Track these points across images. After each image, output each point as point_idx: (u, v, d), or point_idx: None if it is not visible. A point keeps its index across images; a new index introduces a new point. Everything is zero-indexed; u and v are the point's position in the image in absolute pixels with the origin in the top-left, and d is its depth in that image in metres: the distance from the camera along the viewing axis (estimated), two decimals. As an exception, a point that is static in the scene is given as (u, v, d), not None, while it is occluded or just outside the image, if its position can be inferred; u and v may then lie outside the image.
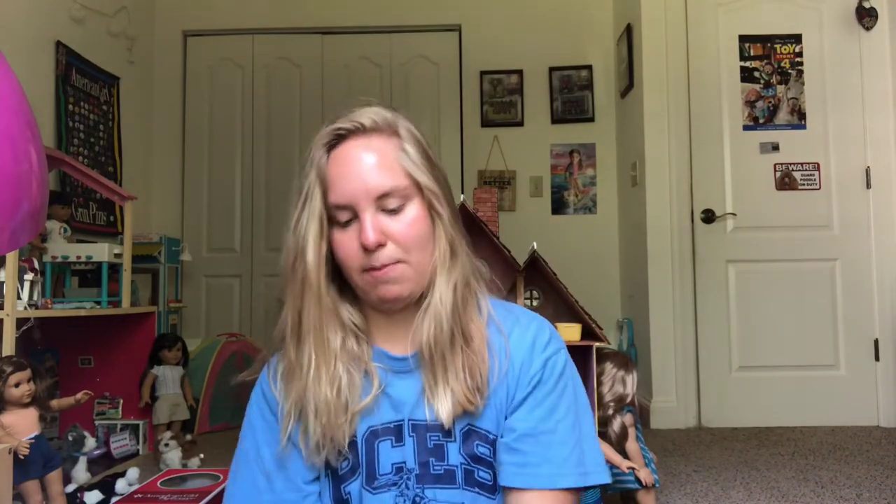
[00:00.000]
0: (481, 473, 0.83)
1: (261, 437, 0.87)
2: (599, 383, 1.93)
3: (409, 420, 0.84)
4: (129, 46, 3.76)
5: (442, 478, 0.82)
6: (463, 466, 0.82)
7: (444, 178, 0.86)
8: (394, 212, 0.81)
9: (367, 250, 0.79)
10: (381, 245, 0.80)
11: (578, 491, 0.83)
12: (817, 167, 3.29)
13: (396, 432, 0.84)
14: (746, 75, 3.36)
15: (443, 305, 0.82)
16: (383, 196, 0.81)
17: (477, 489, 0.82)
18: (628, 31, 3.64)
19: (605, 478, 0.84)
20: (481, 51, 4.08)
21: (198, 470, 2.26)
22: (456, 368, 0.81)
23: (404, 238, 0.81)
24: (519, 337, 0.85)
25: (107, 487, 2.14)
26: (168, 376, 2.77)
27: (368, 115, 0.84)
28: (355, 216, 0.81)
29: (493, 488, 0.83)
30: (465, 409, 0.81)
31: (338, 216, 0.82)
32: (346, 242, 0.82)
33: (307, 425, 0.82)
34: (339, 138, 0.84)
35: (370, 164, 0.81)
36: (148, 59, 4.04)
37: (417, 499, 0.82)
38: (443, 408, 0.81)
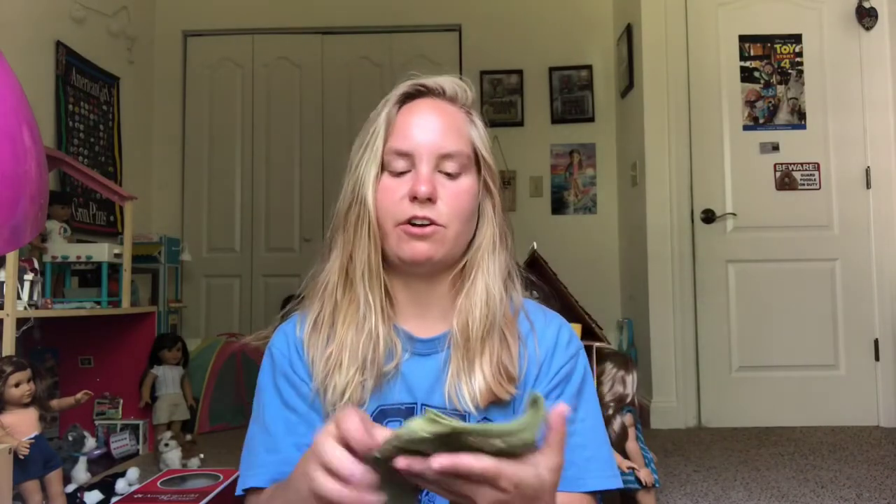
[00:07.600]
0: None
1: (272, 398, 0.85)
2: (599, 383, 1.94)
3: (421, 404, 0.82)
4: (129, 46, 3.76)
5: None
6: None
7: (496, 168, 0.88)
8: (450, 176, 0.82)
9: (416, 199, 0.79)
10: (430, 199, 0.79)
11: (597, 495, 0.80)
12: (817, 167, 3.29)
13: (407, 415, 0.82)
14: (746, 75, 3.36)
15: (495, 289, 0.82)
16: (445, 157, 0.81)
17: None
18: (628, 31, 3.64)
19: (620, 482, 0.82)
20: (481, 51, 4.08)
21: (198, 470, 2.26)
22: (491, 354, 0.80)
23: (452, 203, 0.81)
24: (543, 328, 0.86)
25: (107, 487, 2.14)
26: (168, 376, 2.77)
27: (450, 82, 0.87)
28: (410, 168, 0.81)
29: None
30: (500, 396, 0.79)
31: (393, 163, 0.81)
32: (394, 189, 0.81)
33: (334, 376, 0.80)
34: (416, 94, 0.86)
35: (441, 123, 0.83)
36: (148, 59, 4.04)
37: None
38: (469, 392, 0.79)
